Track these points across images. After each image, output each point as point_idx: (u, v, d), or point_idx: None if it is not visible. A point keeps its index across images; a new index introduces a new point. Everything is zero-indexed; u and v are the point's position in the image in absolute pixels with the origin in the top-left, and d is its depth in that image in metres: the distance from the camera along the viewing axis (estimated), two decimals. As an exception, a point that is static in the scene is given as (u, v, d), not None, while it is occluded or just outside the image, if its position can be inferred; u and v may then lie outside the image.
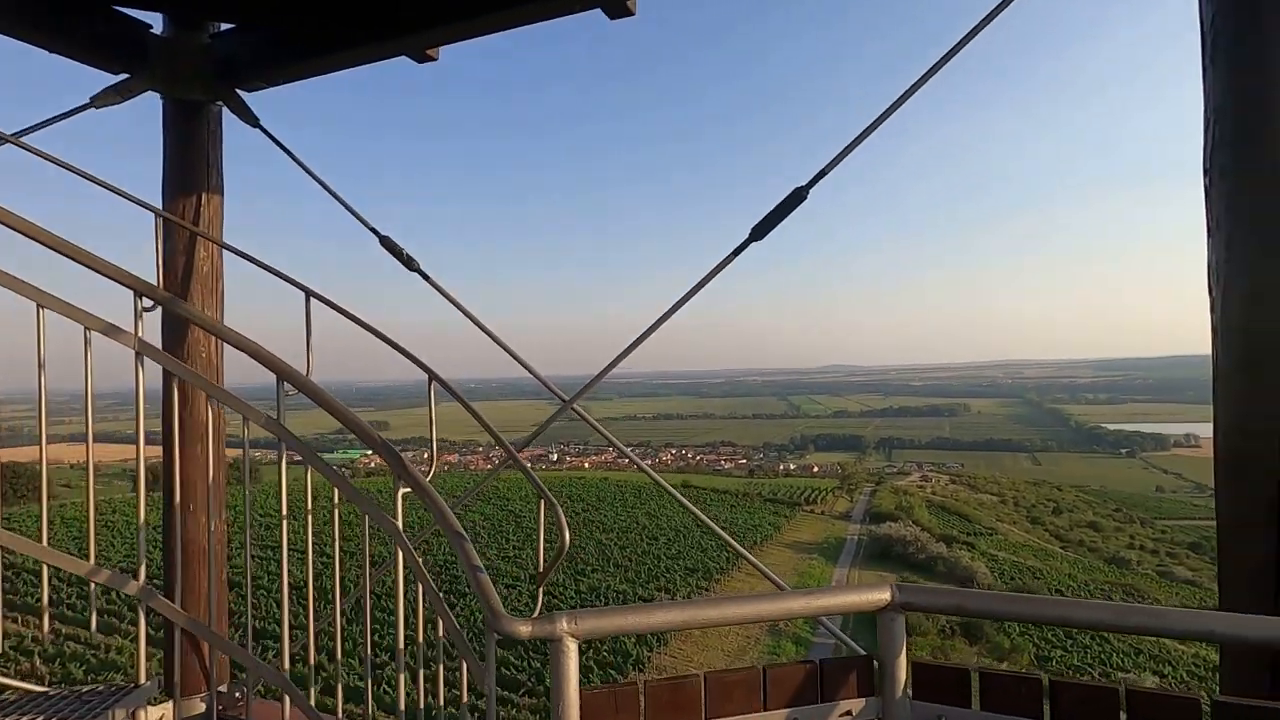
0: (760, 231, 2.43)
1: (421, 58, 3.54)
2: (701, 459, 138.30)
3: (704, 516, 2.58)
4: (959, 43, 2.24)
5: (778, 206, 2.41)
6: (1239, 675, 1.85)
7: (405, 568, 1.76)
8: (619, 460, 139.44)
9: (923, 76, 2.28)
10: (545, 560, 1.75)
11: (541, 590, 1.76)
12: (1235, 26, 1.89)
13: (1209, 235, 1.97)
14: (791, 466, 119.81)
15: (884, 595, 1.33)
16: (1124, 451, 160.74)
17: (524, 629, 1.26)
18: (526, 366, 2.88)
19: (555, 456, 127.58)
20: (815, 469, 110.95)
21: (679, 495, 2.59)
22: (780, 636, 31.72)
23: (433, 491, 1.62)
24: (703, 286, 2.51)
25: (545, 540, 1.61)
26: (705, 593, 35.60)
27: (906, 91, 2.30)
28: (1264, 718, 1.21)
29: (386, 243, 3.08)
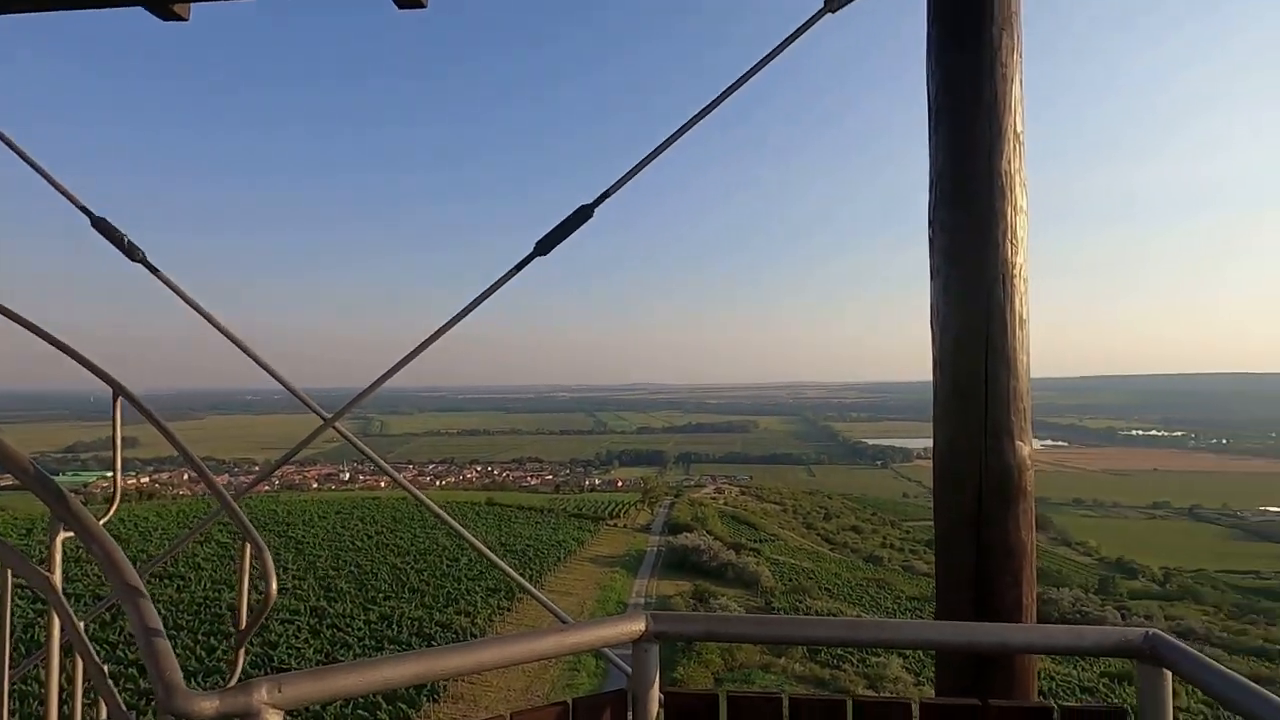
0: (545, 246, 2.35)
1: (166, 13, 3.02)
2: (508, 475, 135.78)
3: (478, 544, 2.42)
4: (740, 79, 2.35)
5: (563, 222, 2.35)
6: (947, 677, 2.09)
7: (62, 634, 1.33)
8: (422, 477, 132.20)
9: (708, 106, 2.37)
10: (248, 615, 1.37)
11: (242, 654, 1.43)
12: (953, 101, 2.19)
13: (931, 280, 2.25)
14: (597, 481, 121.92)
15: (638, 626, 1.29)
16: (879, 463, 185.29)
17: (208, 705, 0.98)
18: (278, 378, 2.52)
19: (347, 475, 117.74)
20: (620, 483, 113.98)
21: (447, 517, 2.40)
22: (578, 663, 31.71)
23: (104, 536, 1.25)
24: (484, 300, 2.37)
25: (251, 590, 1.30)
26: (505, 614, 34.74)
27: (692, 119, 2.37)
28: (964, 715, 1.35)
29: (101, 225, 2.55)
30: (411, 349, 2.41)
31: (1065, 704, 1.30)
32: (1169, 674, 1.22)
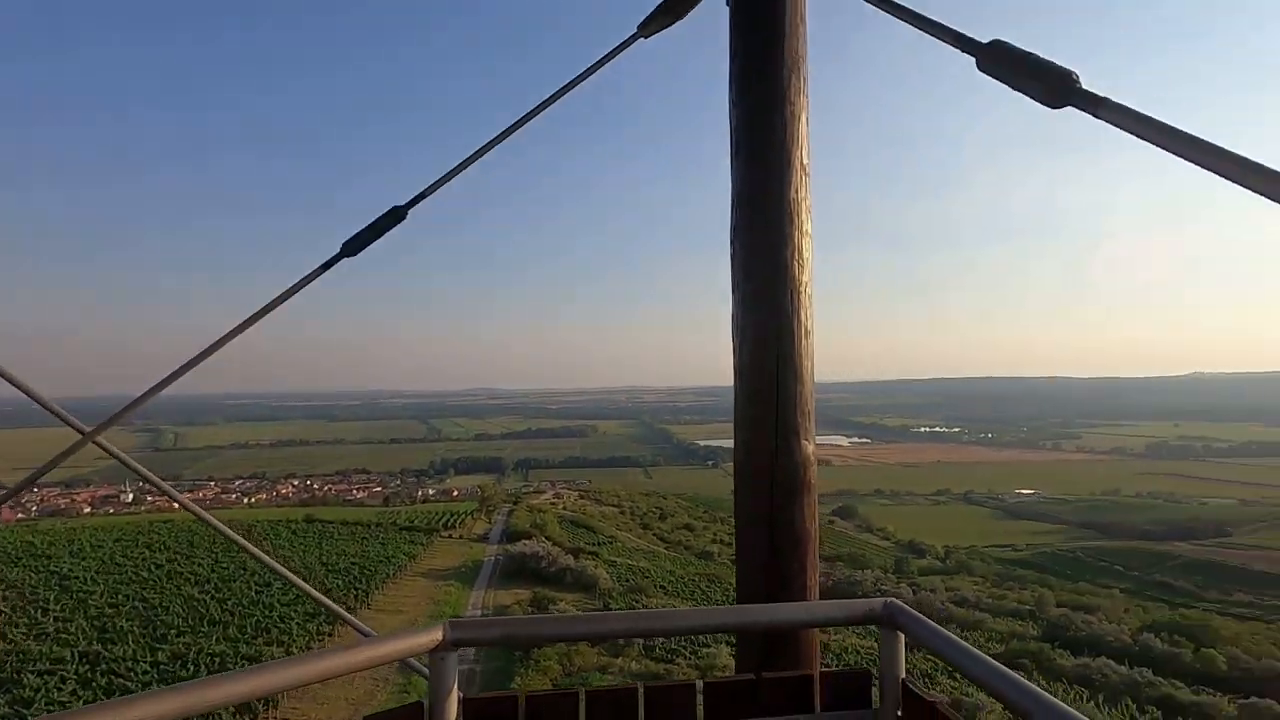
0: (352, 247, 2.25)
1: None
2: (330, 489, 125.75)
3: (270, 561, 2.24)
4: (555, 94, 2.40)
5: (374, 223, 2.26)
6: (746, 655, 2.28)
7: None
8: (225, 495, 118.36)
9: (523, 117, 2.39)
10: None
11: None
12: (750, 133, 2.40)
13: (732, 292, 2.45)
14: (431, 491, 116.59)
15: (436, 635, 1.28)
16: (710, 463, 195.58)
17: None
18: (25, 389, 2.16)
19: (130, 496, 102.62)
20: (455, 493, 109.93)
21: (232, 534, 2.20)
22: (410, 672, 30.22)
23: None
24: (282, 302, 2.21)
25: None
26: (327, 640, 32.13)
27: (508, 129, 2.39)
28: (743, 689, 1.49)
29: None
30: (196, 353, 2.19)
31: (825, 669, 1.49)
32: (902, 636, 1.45)
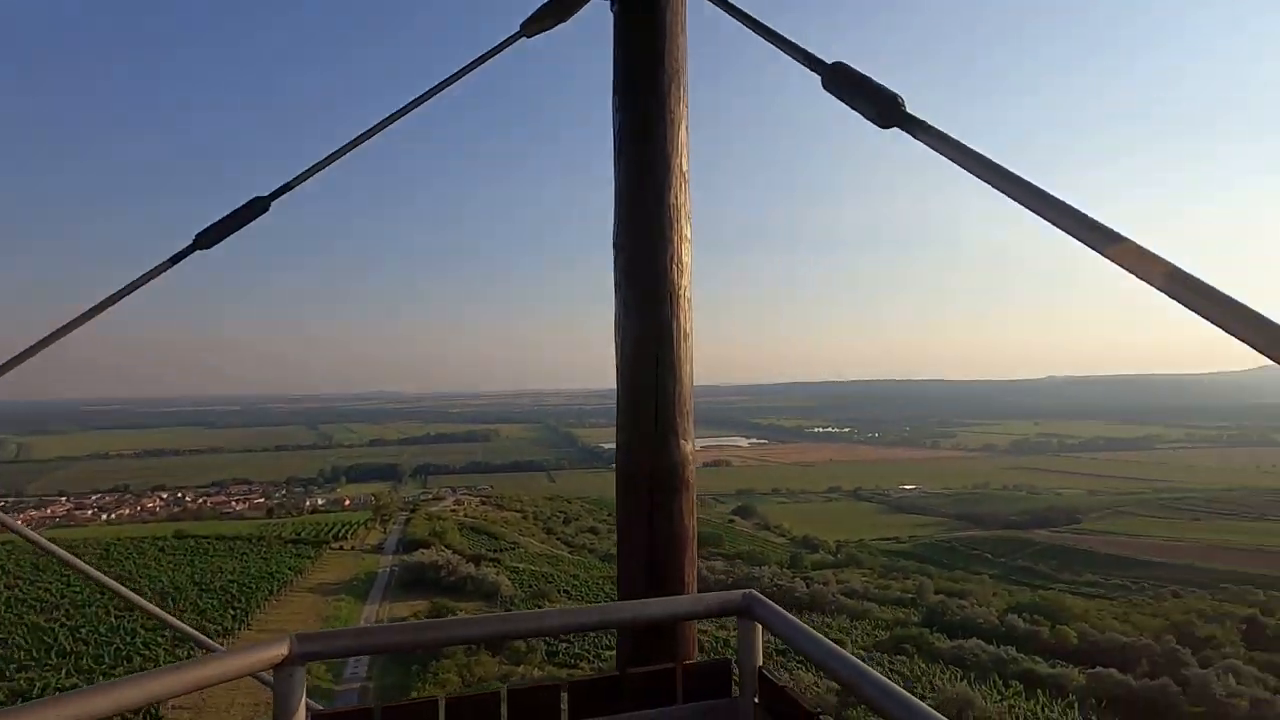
0: (207, 239, 2.10)
1: None
2: (205, 502, 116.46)
3: (108, 580, 2.04)
4: (432, 89, 2.35)
5: (232, 214, 2.12)
6: (624, 650, 2.31)
7: None
8: (80, 512, 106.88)
9: (399, 111, 2.32)
10: None
11: None
12: (632, 139, 2.44)
13: (615, 295, 2.47)
14: (320, 501, 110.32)
15: (281, 649, 1.21)
16: (614, 466, 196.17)
17: None
18: None
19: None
20: (348, 502, 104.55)
21: (63, 553, 1.99)
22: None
23: None
24: (124, 296, 2.03)
25: None
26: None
27: (382, 122, 2.31)
28: (608, 686, 1.51)
29: None
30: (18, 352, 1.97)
31: (687, 662, 1.54)
32: (759, 626, 1.52)
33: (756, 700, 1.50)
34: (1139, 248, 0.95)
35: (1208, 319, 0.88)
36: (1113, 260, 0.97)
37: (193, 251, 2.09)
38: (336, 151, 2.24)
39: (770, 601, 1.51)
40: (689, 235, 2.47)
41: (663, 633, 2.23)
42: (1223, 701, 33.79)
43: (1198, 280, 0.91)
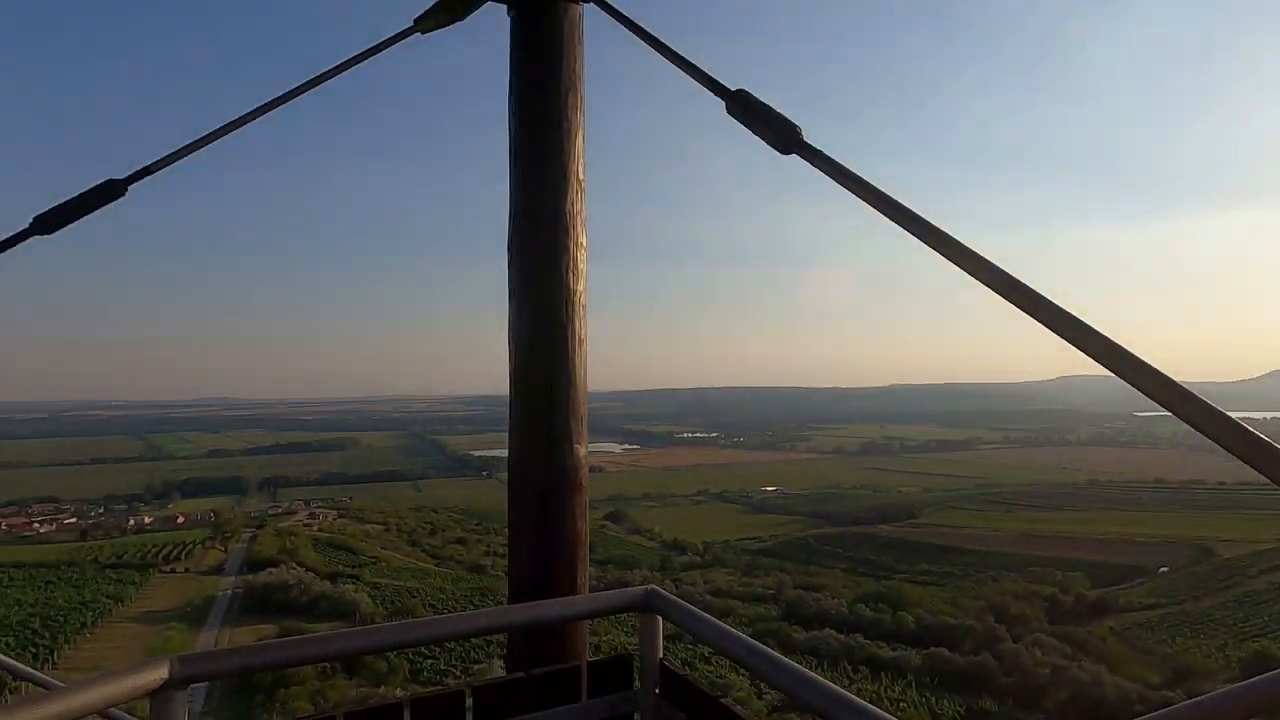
0: (48, 223, 1.86)
1: None
2: (1, 525, 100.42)
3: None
4: (318, 77, 2.23)
5: (79, 197, 1.90)
6: (516, 653, 2.30)
7: None
8: None
9: (277, 99, 2.19)
10: None
11: None
12: (528, 144, 2.45)
13: (509, 300, 2.47)
14: (147, 520, 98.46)
15: (160, 673, 1.11)
16: (484, 473, 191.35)
17: None
18: None
19: None
20: (181, 519, 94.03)
21: None
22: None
23: None
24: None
25: None
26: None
27: (258, 109, 2.17)
28: (512, 687, 1.51)
29: None
30: None
31: (591, 659, 1.58)
32: (660, 619, 1.58)
33: (658, 691, 1.57)
34: (976, 254, 1.13)
35: (1036, 318, 1.06)
36: (969, 273, 1.14)
37: (30, 236, 1.85)
38: (205, 136, 2.08)
39: (670, 595, 1.58)
40: (584, 242, 2.52)
41: (556, 634, 2.25)
42: (1030, 671, 38.64)
43: (1023, 284, 1.10)
